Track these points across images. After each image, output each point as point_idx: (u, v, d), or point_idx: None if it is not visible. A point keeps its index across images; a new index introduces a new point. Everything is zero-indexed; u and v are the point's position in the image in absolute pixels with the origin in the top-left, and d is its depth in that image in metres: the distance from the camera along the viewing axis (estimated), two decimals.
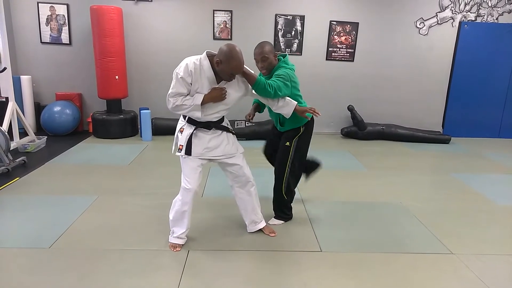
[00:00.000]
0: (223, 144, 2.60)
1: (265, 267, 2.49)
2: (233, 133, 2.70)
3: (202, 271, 2.42)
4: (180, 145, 2.55)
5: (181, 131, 2.58)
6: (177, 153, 2.58)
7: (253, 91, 2.58)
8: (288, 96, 2.68)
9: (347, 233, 2.99)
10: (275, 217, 3.12)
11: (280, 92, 2.57)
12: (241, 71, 2.42)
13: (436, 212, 3.47)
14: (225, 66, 2.32)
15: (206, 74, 2.38)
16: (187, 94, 2.42)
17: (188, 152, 2.51)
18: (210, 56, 2.39)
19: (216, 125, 2.58)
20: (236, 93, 2.53)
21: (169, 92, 2.42)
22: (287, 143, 2.89)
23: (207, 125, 2.54)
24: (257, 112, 3.06)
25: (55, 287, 2.20)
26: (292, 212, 3.17)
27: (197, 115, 2.44)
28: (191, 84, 2.38)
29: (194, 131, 2.52)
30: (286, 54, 2.86)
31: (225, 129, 2.63)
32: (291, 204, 3.14)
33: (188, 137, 2.51)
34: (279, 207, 3.10)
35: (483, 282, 2.41)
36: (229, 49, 2.30)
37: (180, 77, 2.35)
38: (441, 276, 2.47)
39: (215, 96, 2.41)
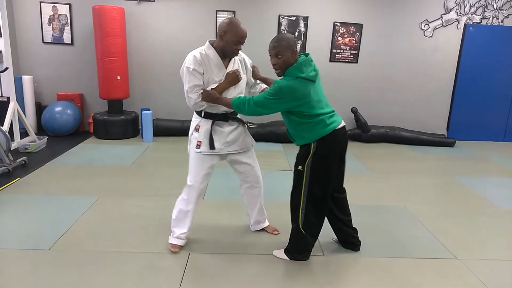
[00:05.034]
0: (240, 138, 2.58)
1: (267, 271, 2.45)
2: (244, 124, 2.66)
3: (203, 274, 2.39)
4: (198, 141, 2.49)
5: (197, 129, 2.52)
6: (196, 150, 2.50)
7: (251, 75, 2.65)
8: (289, 112, 2.33)
9: None
10: (284, 250, 2.59)
11: (257, 109, 2.29)
12: (245, 37, 2.41)
13: (440, 216, 3.43)
14: (229, 35, 2.33)
15: (213, 61, 2.40)
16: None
17: (212, 146, 2.47)
18: (213, 43, 2.43)
19: (232, 116, 2.55)
20: (244, 75, 2.57)
21: (186, 88, 2.39)
22: (299, 167, 2.39)
23: (225, 117, 2.51)
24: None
25: None
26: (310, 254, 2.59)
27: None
28: (203, 74, 2.38)
29: (212, 127, 2.48)
30: (308, 54, 2.33)
31: (240, 121, 2.61)
32: (312, 245, 2.56)
33: (209, 132, 2.47)
34: (293, 242, 2.55)
35: None
36: (229, 19, 2.37)
37: (192, 69, 2.35)
38: (445, 281, 2.42)
39: (231, 80, 2.43)
